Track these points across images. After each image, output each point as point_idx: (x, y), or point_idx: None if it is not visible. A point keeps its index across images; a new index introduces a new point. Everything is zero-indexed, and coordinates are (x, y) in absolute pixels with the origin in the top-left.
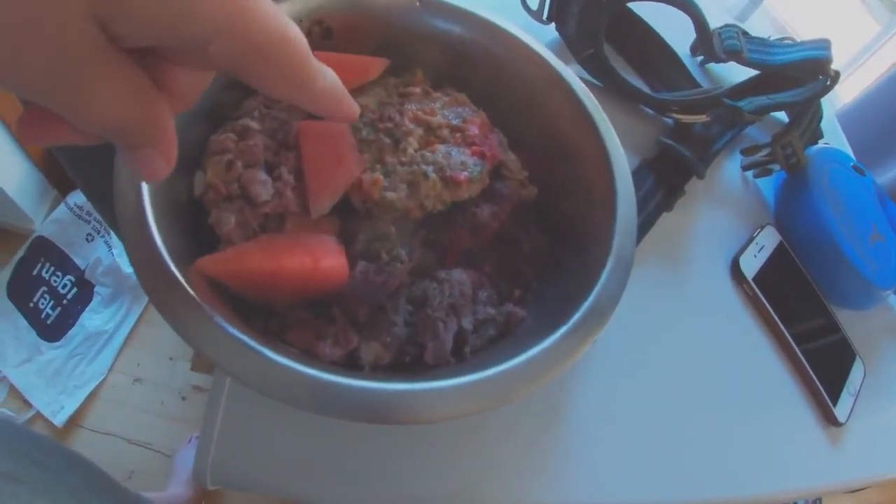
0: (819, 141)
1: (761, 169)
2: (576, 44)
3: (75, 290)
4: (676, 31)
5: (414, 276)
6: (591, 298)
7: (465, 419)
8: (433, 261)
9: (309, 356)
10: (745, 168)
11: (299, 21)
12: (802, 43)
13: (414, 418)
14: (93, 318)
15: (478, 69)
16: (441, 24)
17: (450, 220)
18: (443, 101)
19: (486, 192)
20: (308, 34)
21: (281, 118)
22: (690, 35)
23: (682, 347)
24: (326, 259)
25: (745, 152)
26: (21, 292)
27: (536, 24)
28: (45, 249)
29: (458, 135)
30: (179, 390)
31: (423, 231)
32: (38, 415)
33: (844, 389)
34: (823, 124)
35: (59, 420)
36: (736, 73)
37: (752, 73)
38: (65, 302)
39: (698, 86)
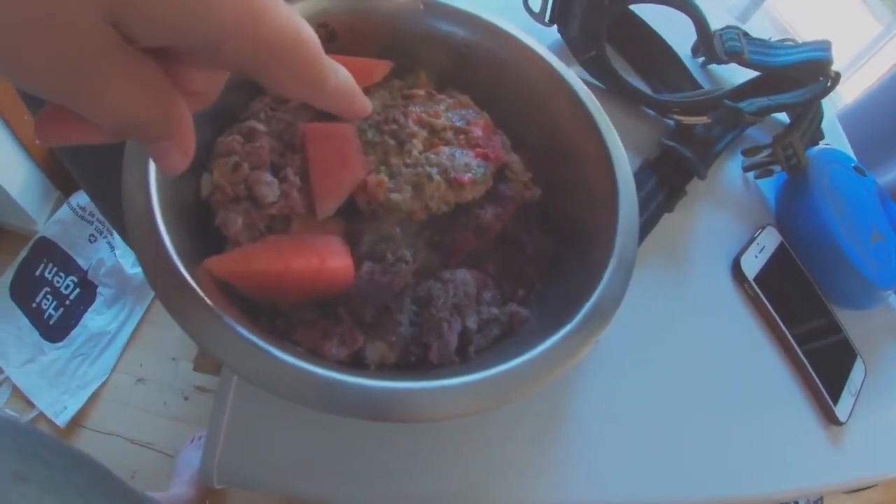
0: (820, 142)
1: (762, 170)
2: (578, 46)
3: (78, 290)
4: (678, 33)
5: (419, 276)
6: (593, 299)
7: (467, 418)
8: (438, 261)
9: (315, 356)
10: (746, 169)
11: None
12: (803, 44)
13: (419, 416)
14: (95, 319)
15: (481, 71)
16: (444, 26)
17: (454, 222)
18: (446, 103)
19: (489, 194)
20: None
21: (287, 120)
22: (692, 36)
23: (683, 347)
24: (332, 260)
25: (746, 153)
26: (24, 293)
27: (539, 26)
28: (47, 250)
29: (461, 137)
30: (182, 390)
31: (428, 232)
32: (41, 415)
33: (845, 389)
34: (824, 125)
35: (61, 420)
36: (737, 74)
37: (754, 74)
38: (67, 302)
39: (699, 87)
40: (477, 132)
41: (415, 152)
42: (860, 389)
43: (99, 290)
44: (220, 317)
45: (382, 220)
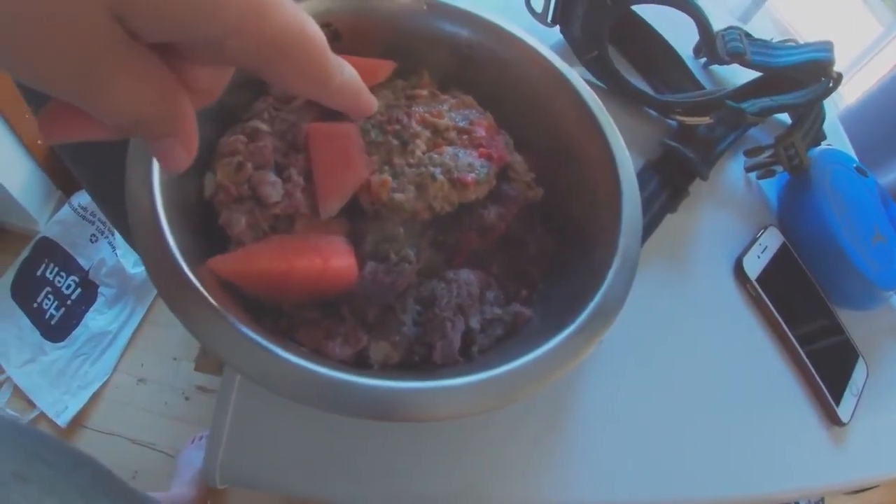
0: (822, 142)
1: (764, 170)
2: (580, 46)
3: (79, 290)
4: (680, 34)
5: (422, 276)
6: (597, 299)
7: (471, 418)
8: (441, 261)
9: (319, 355)
10: (748, 169)
11: None
12: (805, 45)
13: (422, 416)
14: (97, 319)
15: (484, 72)
16: (448, 27)
17: (457, 222)
18: (450, 103)
19: (492, 194)
20: None
21: (290, 120)
22: (694, 37)
23: (685, 348)
24: (336, 259)
25: (748, 154)
26: (25, 293)
27: (541, 26)
28: (49, 250)
29: (465, 137)
30: (183, 390)
31: (431, 232)
32: (42, 415)
33: (847, 389)
34: (826, 126)
35: (62, 420)
36: (739, 74)
37: (756, 74)
38: (69, 302)
39: (702, 88)
40: (480, 132)
41: (418, 152)
42: (862, 390)
43: (100, 290)
44: (223, 316)
45: (386, 220)
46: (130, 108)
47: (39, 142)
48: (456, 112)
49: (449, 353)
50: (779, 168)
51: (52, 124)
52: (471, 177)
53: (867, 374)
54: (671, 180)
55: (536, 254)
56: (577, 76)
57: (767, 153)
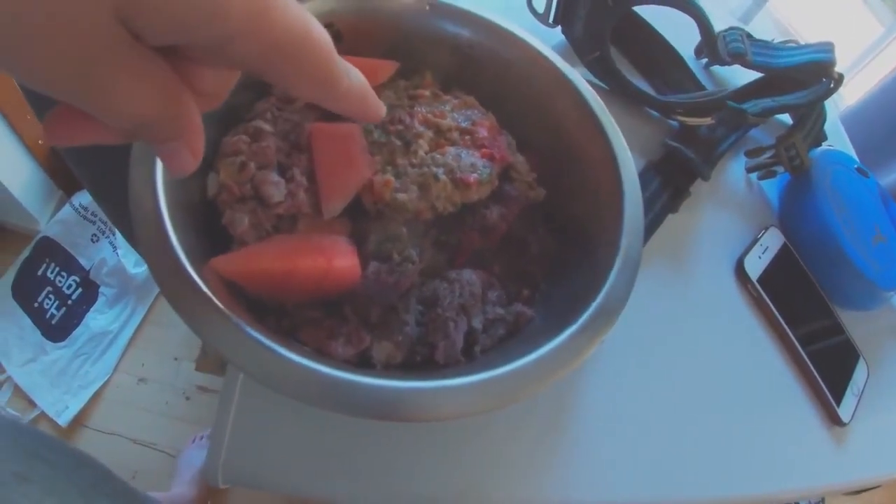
0: (823, 143)
1: (765, 171)
2: (582, 47)
3: (80, 290)
4: (681, 34)
5: (425, 276)
6: (598, 299)
7: (473, 418)
8: (443, 261)
9: (322, 355)
10: (749, 170)
11: None
12: (806, 45)
13: (425, 416)
14: (97, 319)
15: (486, 72)
16: (450, 27)
17: (460, 222)
18: (452, 103)
19: (495, 194)
20: None
21: (293, 120)
22: (695, 38)
23: (687, 348)
24: (339, 259)
25: (749, 154)
26: (26, 292)
27: (543, 27)
28: (50, 250)
29: (467, 137)
30: (184, 390)
31: (434, 232)
32: (43, 415)
33: (848, 390)
34: (827, 126)
35: (63, 420)
36: (740, 75)
37: (757, 75)
38: (70, 302)
39: (703, 88)
40: (482, 132)
41: (421, 152)
42: (863, 390)
43: (101, 289)
44: (227, 315)
45: (389, 220)
46: (133, 110)
47: (41, 142)
48: (458, 112)
49: (451, 353)
50: (780, 168)
51: (58, 128)
52: (473, 177)
53: (868, 375)
54: (672, 181)
55: (538, 254)
56: (578, 77)
57: (768, 154)
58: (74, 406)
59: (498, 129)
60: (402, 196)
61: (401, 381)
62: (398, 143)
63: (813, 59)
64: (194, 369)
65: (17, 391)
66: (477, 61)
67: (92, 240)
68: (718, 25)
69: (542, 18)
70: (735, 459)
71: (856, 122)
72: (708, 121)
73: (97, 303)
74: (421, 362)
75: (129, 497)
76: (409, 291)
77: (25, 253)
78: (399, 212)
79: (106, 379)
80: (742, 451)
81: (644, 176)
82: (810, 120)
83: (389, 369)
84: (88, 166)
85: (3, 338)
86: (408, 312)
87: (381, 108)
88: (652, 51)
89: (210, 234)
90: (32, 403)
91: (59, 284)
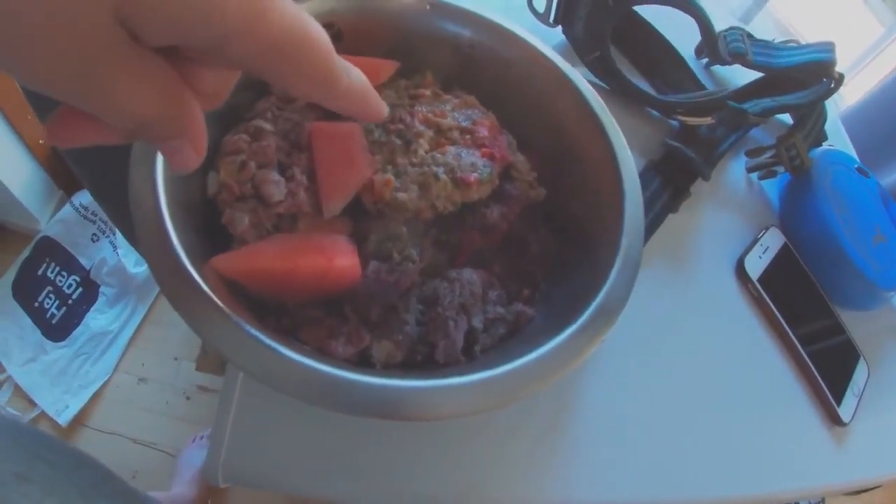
0: (823, 143)
1: (766, 171)
2: (582, 46)
3: (80, 289)
4: (681, 34)
5: (425, 275)
6: (599, 298)
7: (473, 417)
8: (444, 261)
9: (322, 354)
10: (749, 170)
11: None
12: (807, 45)
13: (425, 415)
14: (98, 318)
15: (486, 71)
16: (450, 27)
17: (460, 221)
18: (452, 103)
19: (495, 194)
20: None
21: (293, 119)
22: (695, 37)
23: (687, 347)
24: (339, 259)
25: (749, 154)
26: (26, 292)
27: (543, 27)
28: (50, 249)
29: (467, 136)
30: (184, 390)
31: (434, 231)
32: (43, 414)
33: (848, 390)
34: (827, 126)
35: (63, 420)
36: (741, 75)
37: (757, 75)
38: (70, 302)
39: (703, 88)
40: (483, 132)
41: (421, 152)
42: (863, 390)
43: (101, 289)
44: (227, 315)
45: (389, 220)
46: (133, 110)
47: (41, 141)
48: (459, 112)
49: (451, 352)
50: (780, 168)
51: (61, 129)
52: (473, 176)
53: (868, 375)
54: (673, 180)
55: (539, 253)
56: (579, 76)
57: (769, 153)
58: (74, 406)
59: (498, 128)
60: (402, 195)
61: (401, 381)
62: (398, 142)
63: (813, 59)
64: (194, 369)
65: (18, 391)
66: (477, 61)
67: (92, 239)
68: (719, 25)
69: (542, 18)
70: (735, 459)
71: (856, 122)
72: (708, 120)
73: (97, 302)
74: (421, 361)
75: (129, 497)
76: (410, 291)
77: (26, 252)
78: (399, 211)
79: (106, 378)
80: (742, 450)
81: (644, 176)
82: (811, 120)
83: (389, 368)
84: (89, 166)
85: (3, 337)
86: (408, 312)
87: (382, 108)
88: (652, 51)
89: (210, 233)
90: (32, 403)
91: (60, 284)
